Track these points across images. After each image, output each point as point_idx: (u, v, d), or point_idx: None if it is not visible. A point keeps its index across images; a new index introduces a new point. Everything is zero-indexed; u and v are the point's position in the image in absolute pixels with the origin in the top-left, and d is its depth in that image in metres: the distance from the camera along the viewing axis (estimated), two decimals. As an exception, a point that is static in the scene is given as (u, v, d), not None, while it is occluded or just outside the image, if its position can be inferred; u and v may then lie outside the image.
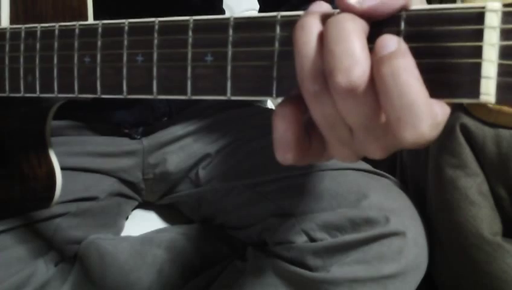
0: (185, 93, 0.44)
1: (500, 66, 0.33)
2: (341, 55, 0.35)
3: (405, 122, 0.35)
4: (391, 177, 0.95)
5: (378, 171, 0.94)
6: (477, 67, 0.34)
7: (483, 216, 0.86)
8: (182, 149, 0.96)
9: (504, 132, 0.83)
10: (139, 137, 0.96)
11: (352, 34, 0.35)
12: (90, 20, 0.64)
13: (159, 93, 0.46)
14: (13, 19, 0.64)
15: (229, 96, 0.42)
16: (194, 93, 0.44)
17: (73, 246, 0.89)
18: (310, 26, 0.37)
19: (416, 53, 0.36)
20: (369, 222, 0.82)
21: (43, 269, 0.84)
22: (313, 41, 0.37)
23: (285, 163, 0.40)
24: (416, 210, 0.88)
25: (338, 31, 0.35)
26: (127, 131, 0.95)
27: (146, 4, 0.80)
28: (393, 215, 0.82)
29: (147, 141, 0.96)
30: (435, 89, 0.35)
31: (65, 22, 0.52)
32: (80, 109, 0.91)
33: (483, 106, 0.83)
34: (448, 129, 0.88)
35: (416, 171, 1.03)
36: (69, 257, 0.89)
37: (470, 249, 0.87)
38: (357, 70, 0.35)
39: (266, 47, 0.41)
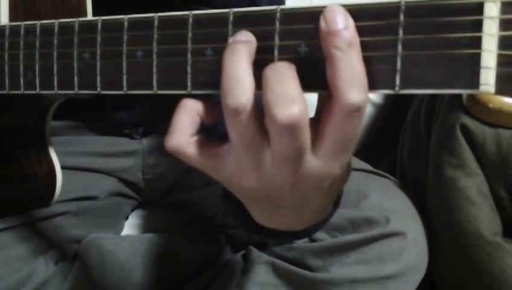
0: (185, 88, 0.44)
1: (500, 56, 0.33)
2: (282, 93, 0.38)
3: (353, 86, 0.37)
4: (391, 177, 0.95)
5: (378, 171, 0.94)
6: (477, 57, 0.34)
7: (483, 216, 0.86)
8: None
9: (504, 132, 0.83)
10: (139, 137, 0.96)
11: (291, 77, 0.38)
12: (90, 17, 0.64)
13: (159, 88, 0.46)
14: (12, 17, 0.64)
15: None
16: (194, 88, 0.44)
17: (73, 245, 0.89)
18: (240, 52, 0.39)
19: (415, 45, 0.36)
20: (369, 222, 0.82)
21: (43, 267, 0.83)
22: (241, 64, 0.39)
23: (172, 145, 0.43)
24: (416, 210, 0.88)
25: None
26: (127, 131, 0.95)
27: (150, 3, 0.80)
28: (393, 215, 0.82)
29: (147, 141, 0.96)
30: (435, 80, 0.35)
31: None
32: (80, 109, 0.91)
33: (484, 106, 0.83)
34: (448, 129, 0.88)
35: (416, 171, 1.03)
36: (69, 255, 0.88)
37: (470, 249, 0.87)
38: (296, 108, 0.37)
39: (266, 41, 0.41)
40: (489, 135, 0.84)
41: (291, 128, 0.37)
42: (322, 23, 0.37)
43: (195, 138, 0.44)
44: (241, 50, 0.40)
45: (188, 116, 0.43)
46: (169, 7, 0.72)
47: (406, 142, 1.09)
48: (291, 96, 0.37)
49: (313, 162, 0.41)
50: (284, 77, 0.38)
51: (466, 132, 0.86)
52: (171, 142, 0.43)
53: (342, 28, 0.37)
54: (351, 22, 0.37)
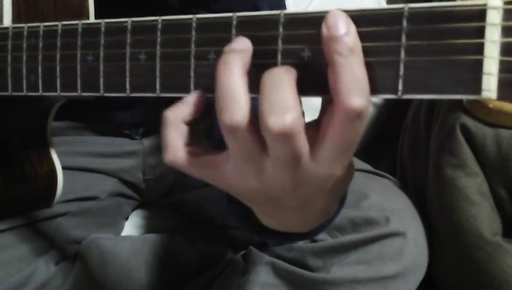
0: (188, 92, 0.44)
1: (502, 62, 0.34)
2: (277, 102, 0.38)
3: (354, 92, 0.37)
4: (391, 177, 0.95)
5: (378, 171, 0.94)
6: (479, 64, 0.34)
7: (483, 216, 0.86)
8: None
9: (504, 132, 0.83)
10: (139, 138, 0.96)
11: (287, 85, 0.38)
12: (92, 19, 0.64)
13: (162, 91, 0.46)
14: (15, 18, 0.64)
15: None
16: None
17: (73, 246, 0.89)
18: (232, 63, 0.39)
19: (418, 50, 0.36)
20: (369, 222, 0.82)
21: (44, 268, 0.84)
22: (234, 77, 0.39)
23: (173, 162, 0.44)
24: (416, 210, 0.88)
25: (275, 81, 0.39)
26: (127, 132, 0.95)
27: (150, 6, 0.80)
28: (393, 215, 0.82)
29: (147, 142, 0.96)
30: (437, 85, 0.36)
31: (66, 21, 0.52)
32: (81, 109, 0.91)
33: (484, 106, 0.83)
34: (448, 129, 0.88)
35: (416, 171, 1.03)
36: (70, 256, 0.89)
37: (470, 249, 0.87)
38: (289, 117, 0.37)
39: (269, 45, 0.41)
40: (489, 135, 0.85)
41: (285, 136, 0.37)
42: (324, 29, 0.37)
43: (191, 149, 0.44)
44: (233, 61, 0.40)
45: (173, 129, 0.44)
46: (169, 10, 0.72)
47: (406, 142, 1.09)
48: (285, 105, 0.37)
49: (313, 165, 0.41)
50: (280, 84, 0.38)
51: (466, 132, 0.87)
52: (167, 159, 0.44)
53: (344, 33, 0.37)
54: (352, 28, 0.37)
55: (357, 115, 0.37)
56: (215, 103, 0.39)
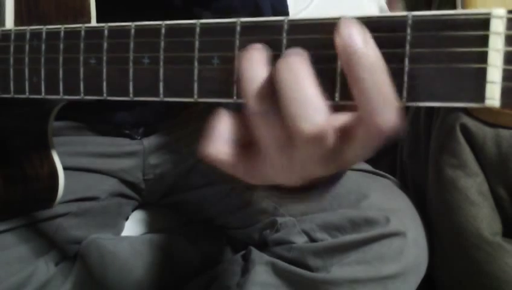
0: (192, 96, 0.45)
1: (505, 71, 0.34)
2: (302, 102, 0.37)
3: (382, 111, 0.36)
4: (391, 177, 0.95)
5: (378, 171, 0.95)
6: (483, 72, 0.35)
7: (483, 216, 0.86)
8: (182, 149, 0.96)
9: (504, 132, 0.84)
10: (139, 138, 0.96)
11: (307, 80, 0.37)
12: (93, 21, 0.64)
13: (165, 95, 0.46)
14: (17, 19, 0.64)
15: (235, 99, 0.42)
16: (200, 95, 0.44)
17: (73, 246, 0.89)
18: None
19: (422, 58, 0.36)
20: (369, 222, 0.82)
21: (44, 268, 0.84)
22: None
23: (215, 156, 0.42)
24: (416, 210, 0.88)
25: (292, 77, 0.37)
26: (127, 131, 0.95)
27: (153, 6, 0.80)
28: (393, 215, 0.82)
29: (147, 142, 0.96)
30: (441, 93, 0.36)
31: (68, 22, 0.52)
32: (81, 109, 0.91)
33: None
34: (448, 129, 0.88)
35: (416, 171, 1.03)
36: (70, 256, 0.89)
37: (470, 249, 0.87)
38: (320, 117, 0.37)
39: (273, 51, 0.41)
40: (489, 135, 0.85)
41: (317, 139, 0.37)
42: (339, 41, 0.36)
43: (232, 148, 0.43)
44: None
45: (223, 123, 0.42)
46: (172, 10, 0.72)
47: (406, 142, 1.09)
48: (313, 105, 0.37)
49: (345, 154, 0.40)
50: (300, 77, 0.37)
51: (466, 132, 0.87)
52: (209, 151, 0.42)
53: (362, 47, 0.36)
54: (369, 39, 0.36)
55: (385, 133, 0.37)
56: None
